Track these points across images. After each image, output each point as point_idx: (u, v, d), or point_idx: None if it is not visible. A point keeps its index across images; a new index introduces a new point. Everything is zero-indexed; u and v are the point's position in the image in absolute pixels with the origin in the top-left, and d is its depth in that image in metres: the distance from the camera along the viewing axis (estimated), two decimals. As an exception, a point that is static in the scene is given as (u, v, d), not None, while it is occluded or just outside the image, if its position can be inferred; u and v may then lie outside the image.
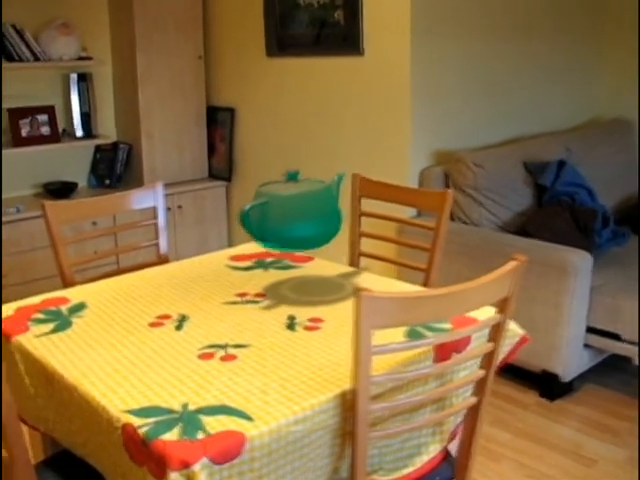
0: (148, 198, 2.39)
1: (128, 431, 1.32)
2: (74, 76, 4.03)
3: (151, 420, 1.33)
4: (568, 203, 3.48)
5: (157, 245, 2.44)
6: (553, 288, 2.90)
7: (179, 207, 4.25)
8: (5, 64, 3.73)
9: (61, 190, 4.00)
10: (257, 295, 2.00)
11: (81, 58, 4.03)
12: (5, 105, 3.87)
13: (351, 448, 1.44)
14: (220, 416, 1.35)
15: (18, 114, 3.87)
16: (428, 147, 3.55)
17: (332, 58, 3.68)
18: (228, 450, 1.27)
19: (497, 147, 3.78)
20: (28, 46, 3.80)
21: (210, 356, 1.61)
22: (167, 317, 1.84)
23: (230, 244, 4.57)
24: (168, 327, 1.78)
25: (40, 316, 1.87)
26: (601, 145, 4.14)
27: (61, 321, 1.83)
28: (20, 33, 3.79)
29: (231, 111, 4.39)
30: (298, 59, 3.86)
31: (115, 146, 4.23)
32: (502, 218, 3.52)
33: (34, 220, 3.66)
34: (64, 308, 1.92)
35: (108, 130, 4.31)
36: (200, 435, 1.29)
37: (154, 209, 2.41)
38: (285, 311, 1.88)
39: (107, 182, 4.21)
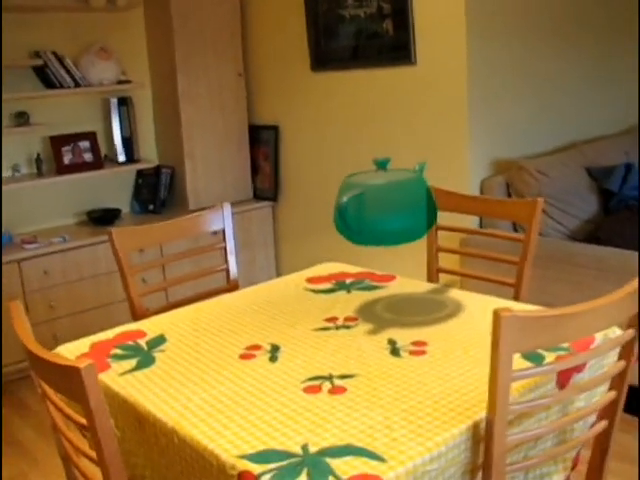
0: (217, 220, 2.25)
1: (247, 477, 1.17)
2: (114, 100, 3.94)
3: (272, 466, 1.18)
4: (638, 207, 3.31)
5: (227, 270, 2.30)
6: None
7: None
8: (47, 91, 3.65)
9: (104, 217, 3.89)
10: (348, 319, 1.85)
11: (120, 82, 3.94)
12: (47, 133, 3.78)
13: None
14: (347, 458, 1.20)
15: (60, 141, 3.78)
16: (486, 156, 3.40)
17: (381, 69, 3.55)
18: (366, 498, 1.11)
19: (556, 153, 3.62)
20: (68, 72, 3.72)
21: (317, 389, 1.46)
22: (257, 348, 1.70)
23: (278, 266, 4.44)
24: (261, 359, 1.63)
25: (119, 352, 1.73)
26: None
27: (142, 357, 1.69)
28: (60, 60, 3.71)
29: (275, 129, 4.27)
30: (344, 72, 3.74)
31: (157, 170, 4.12)
32: (569, 227, 3.36)
33: (80, 249, 3.55)
34: (142, 342, 1.79)
35: (149, 154, 4.21)
36: (333, 482, 1.13)
37: (223, 232, 2.28)
38: (383, 335, 1.73)
39: (150, 207, 4.10)
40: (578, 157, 3.58)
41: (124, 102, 3.98)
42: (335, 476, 1.15)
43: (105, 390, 1.56)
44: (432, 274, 2.42)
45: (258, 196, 4.41)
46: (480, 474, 1.33)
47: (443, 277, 2.47)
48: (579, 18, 3.73)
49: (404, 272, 2.31)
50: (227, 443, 1.27)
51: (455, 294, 2.00)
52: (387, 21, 3.47)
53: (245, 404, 1.41)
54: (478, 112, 3.26)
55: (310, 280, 2.20)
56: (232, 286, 2.29)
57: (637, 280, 1.37)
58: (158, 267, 3.46)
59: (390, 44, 3.47)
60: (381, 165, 1.83)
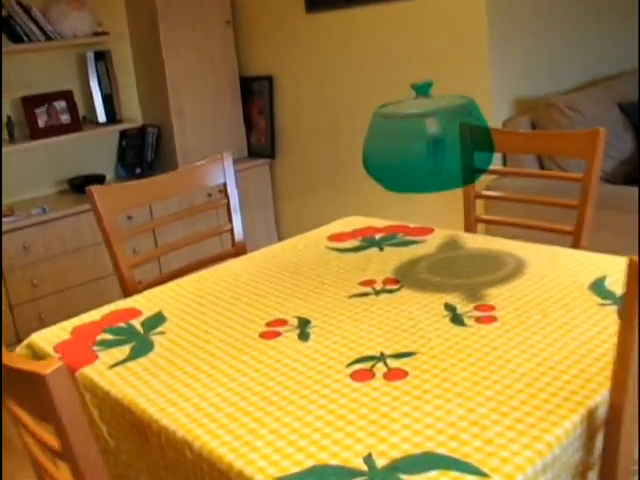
0: (217, 173, 1.89)
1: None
2: (90, 55, 3.53)
3: (329, 491, 0.85)
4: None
5: (231, 231, 1.94)
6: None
7: (220, 191, 3.75)
8: (14, 46, 3.24)
9: (87, 185, 3.50)
10: (388, 282, 1.51)
11: (96, 34, 3.53)
12: (18, 94, 3.39)
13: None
14: (432, 473, 0.86)
15: (33, 103, 3.38)
16: (509, 95, 3.03)
17: (385, 4, 3.16)
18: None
19: (583, 89, 3.26)
20: (37, 24, 3.31)
21: (368, 374, 1.12)
22: (281, 323, 1.35)
23: (279, 229, 4.08)
24: (288, 337, 1.29)
25: (108, 337, 1.38)
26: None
27: (138, 342, 1.34)
28: (27, 10, 3.29)
29: (268, 80, 3.88)
30: (343, 11, 3.34)
31: (142, 130, 3.73)
32: (605, 169, 3.01)
33: (63, 220, 3.18)
34: (137, 323, 1.44)
35: (133, 113, 3.82)
36: (419, 513, 0.80)
37: (224, 186, 1.92)
38: (436, 300, 1.38)
39: (137, 171, 3.72)
40: (607, 93, 3.23)
41: (102, 57, 3.58)
42: (421, 502, 0.81)
43: (92, 389, 1.21)
44: (470, 225, 2.07)
45: (253, 153, 4.04)
46: (592, 476, 1.00)
47: (480, 228, 2.13)
48: None
49: (435, 224, 1.96)
50: (260, 459, 0.93)
51: (510, 246, 1.66)
52: (392, -53, 3.07)
53: (277, 400, 1.07)
54: (499, 47, 2.89)
55: (332, 238, 1.85)
56: (239, 250, 1.94)
57: None
58: (149, 232, 3.10)
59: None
60: (421, 90, 1.47)
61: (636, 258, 0.85)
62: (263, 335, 1.31)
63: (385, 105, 1.49)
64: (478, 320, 1.28)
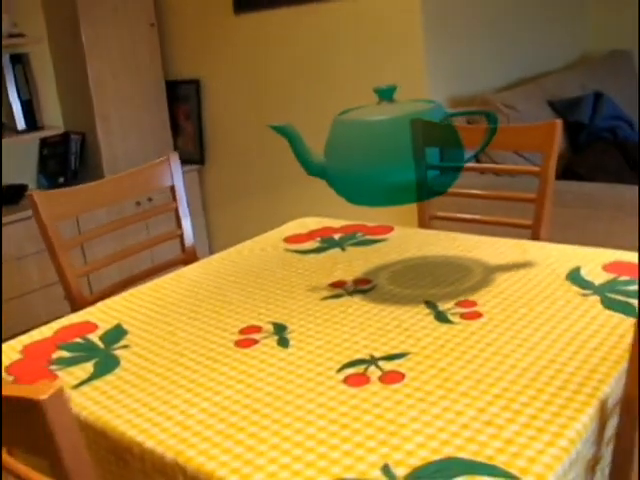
0: (164, 176, 1.78)
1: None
2: (6, 58, 3.33)
3: (351, 508, 0.77)
4: (611, 139, 3.05)
5: (181, 236, 1.83)
6: (629, 231, 2.47)
7: (149, 200, 3.61)
8: None
9: (8, 196, 3.31)
10: (359, 282, 1.44)
11: (12, 36, 3.32)
12: None
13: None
14: (459, 478, 0.80)
15: (-57, 109, 3.15)
16: (444, 94, 3.04)
17: (317, 5, 3.11)
18: None
19: (516, 87, 3.31)
20: (-55, 24, 3.08)
21: (362, 379, 1.05)
22: (256, 330, 1.27)
23: (210, 237, 3.96)
24: (266, 344, 1.20)
25: (65, 354, 1.26)
26: (608, 79, 3.74)
27: (101, 357, 1.23)
28: None
29: (195, 83, 3.77)
30: (273, 11, 3.27)
31: (65, 137, 3.55)
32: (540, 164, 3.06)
33: (-17, 235, 2.97)
34: (95, 337, 1.32)
35: (55, 119, 3.62)
36: (456, 525, 0.73)
37: (172, 190, 1.81)
38: (415, 298, 1.33)
39: (61, 180, 3.53)
40: (538, 91, 3.30)
41: (19, 60, 3.37)
42: (455, 513, 0.75)
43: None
44: (424, 222, 2.04)
45: (181, 160, 3.89)
46: (599, 469, 0.97)
47: (434, 225, 2.10)
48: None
49: (386, 223, 1.91)
50: (268, 478, 0.84)
51: (476, 240, 1.63)
52: (323, -54, 3.03)
53: (270, 412, 0.99)
54: (435, 45, 2.89)
55: (289, 240, 1.77)
56: (189, 256, 1.84)
57: None
58: (92, 241, 2.94)
59: (328, -28, 3.03)
60: (384, 95, 1.40)
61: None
62: (239, 343, 1.22)
63: (346, 111, 1.42)
64: (463, 316, 1.23)
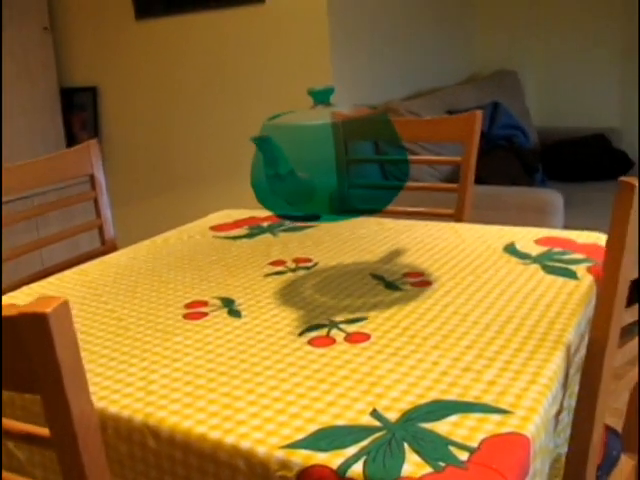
0: (83, 163, 1.68)
1: (315, 476, 0.71)
2: None
3: (350, 451, 0.74)
4: (508, 146, 3.20)
5: (100, 228, 1.74)
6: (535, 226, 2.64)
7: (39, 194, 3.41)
8: None
9: None
10: (300, 260, 1.42)
11: None
12: None
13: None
14: (452, 418, 0.79)
15: None
16: (349, 102, 3.09)
17: (222, 11, 3.09)
18: (518, 464, 0.71)
19: (417, 98, 3.42)
20: None
21: (327, 340, 1.02)
22: (202, 304, 1.21)
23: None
24: (217, 316, 1.15)
25: None
26: (498, 93, 3.96)
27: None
28: None
29: (92, 91, 3.63)
30: (178, 18, 3.21)
31: (-53, 144, 3.30)
32: (442, 170, 3.17)
33: None
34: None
35: None
36: (462, 455, 0.71)
37: (92, 179, 1.71)
38: (360, 272, 1.32)
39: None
40: (438, 102, 3.43)
41: None
42: (458, 446, 0.73)
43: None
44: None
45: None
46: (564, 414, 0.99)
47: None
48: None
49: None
50: (254, 431, 0.79)
51: (404, 225, 1.64)
52: (228, -48, 3.02)
53: (238, 374, 0.94)
54: (341, 55, 2.94)
55: (215, 228, 1.72)
56: (109, 249, 1.74)
57: None
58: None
59: (233, -22, 3.02)
60: (321, 97, 1.27)
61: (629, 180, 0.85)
62: (187, 316, 1.15)
63: (276, 116, 1.36)
64: (414, 285, 1.23)
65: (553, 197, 2.68)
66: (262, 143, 1.16)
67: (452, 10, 3.96)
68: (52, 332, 0.55)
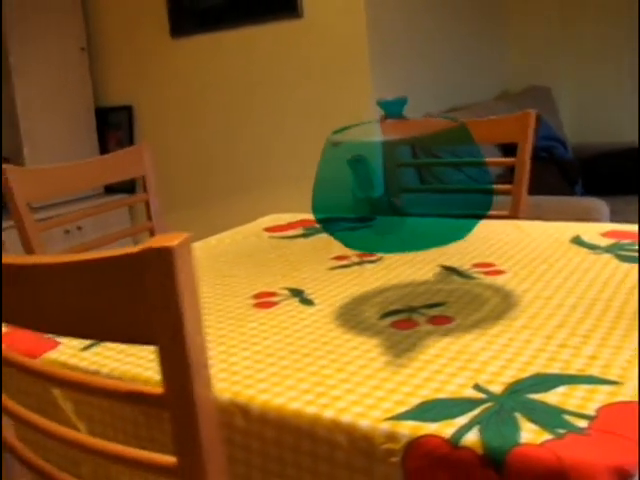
0: (135, 164, 1.68)
1: (425, 446, 0.68)
2: None
3: (460, 420, 0.70)
4: (549, 158, 3.17)
5: (151, 230, 1.73)
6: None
7: (79, 229, 3.43)
8: None
9: None
10: (364, 255, 1.39)
11: None
12: None
13: None
14: (561, 389, 0.75)
15: None
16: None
17: (259, 27, 3.10)
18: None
19: (452, 112, 3.41)
20: None
21: (410, 323, 0.99)
22: (270, 295, 1.18)
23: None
24: (288, 304, 1.12)
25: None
26: (532, 108, 3.94)
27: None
28: None
29: (128, 110, 3.66)
30: (212, 35, 3.24)
31: (-12, 163, 3.34)
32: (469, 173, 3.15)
33: None
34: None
35: (-25, 144, 3.41)
36: (581, 422, 0.68)
37: (144, 180, 1.71)
38: (429, 264, 1.29)
39: (-18, 208, 3.30)
40: (474, 116, 3.41)
41: None
42: (574, 414, 0.69)
43: (64, 378, 0.96)
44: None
45: (111, 189, 3.75)
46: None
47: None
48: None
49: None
50: (353, 406, 0.76)
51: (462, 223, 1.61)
52: (266, -31, 3.04)
53: (322, 354, 0.91)
54: (379, 68, 2.93)
55: (270, 229, 1.70)
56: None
57: None
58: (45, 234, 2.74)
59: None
60: (393, 109, 1.14)
61: None
62: (257, 305, 1.13)
63: (340, 130, 1.30)
64: (487, 274, 1.20)
65: (599, 205, 2.64)
66: (356, 164, 1.12)
67: (486, 26, 3.96)
68: (175, 266, 0.53)
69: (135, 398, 0.61)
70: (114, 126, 3.73)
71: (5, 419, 0.87)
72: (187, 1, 3.26)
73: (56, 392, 0.97)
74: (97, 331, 0.60)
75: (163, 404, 0.58)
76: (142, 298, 0.55)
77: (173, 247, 0.53)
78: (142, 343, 0.58)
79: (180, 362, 0.56)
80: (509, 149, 1.93)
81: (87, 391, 0.68)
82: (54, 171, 1.49)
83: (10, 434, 0.87)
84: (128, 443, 0.87)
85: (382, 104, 1.14)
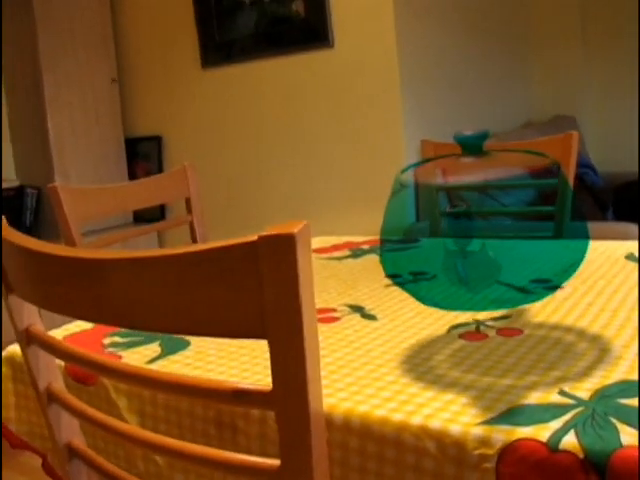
0: (179, 186, 1.69)
1: (521, 450, 0.67)
2: (-40, 108, 3.19)
3: (553, 425, 0.69)
4: (580, 184, 3.17)
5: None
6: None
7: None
8: None
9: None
10: (417, 274, 1.38)
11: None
12: None
13: None
14: (650, 397, 0.74)
15: None
16: (417, 143, 3.10)
17: (290, 57, 3.14)
18: None
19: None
20: None
21: (479, 335, 0.99)
22: (330, 310, 1.18)
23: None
24: (350, 319, 1.12)
25: (119, 340, 1.13)
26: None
27: (164, 340, 1.11)
28: None
29: (157, 140, 3.70)
30: (242, 65, 3.28)
31: (20, 191, 3.38)
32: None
33: None
34: (156, 344, 1.19)
35: (8, 173, 3.46)
36: (681, 426, 0.66)
37: (187, 201, 1.72)
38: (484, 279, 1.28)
39: (15, 237, 3.33)
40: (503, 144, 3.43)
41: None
42: (672, 418, 0.68)
43: (130, 390, 0.96)
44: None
45: (140, 219, 3.78)
46: None
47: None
48: (480, 17, 3.60)
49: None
50: (440, 412, 0.76)
51: (508, 244, 1.61)
52: (297, 2, 3.09)
53: (395, 365, 0.90)
54: (410, 98, 2.95)
55: (316, 251, 1.70)
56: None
57: None
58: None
59: (303, 27, 3.08)
60: (473, 144, 1.04)
61: None
62: (320, 320, 1.13)
63: (407, 168, 1.24)
64: (545, 288, 1.19)
65: (631, 229, 2.62)
66: (457, 215, 1.10)
67: (512, 58, 3.99)
68: (297, 254, 0.53)
69: (239, 396, 0.60)
70: (143, 156, 3.77)
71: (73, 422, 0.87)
72: (218, 32, 3.32)
73: (122, 404, 0.97)
74: (200, 328, 0.60)
75: (270, 402, 0.58)
76: (257, 289, 0.55)
77: (294, 233, 0.53)
78: (252, 337, 0.57)
79: (295, 357, 0.55)
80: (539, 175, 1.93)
81: (175, 390, 0.67)
82: (101, 191, 1.51)
83: (80, 441, 0.87)
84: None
85: (459, 139, 1.03)
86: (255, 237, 0.54)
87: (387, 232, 1.21)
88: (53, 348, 0.77)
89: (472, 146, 1.03)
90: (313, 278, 0.57)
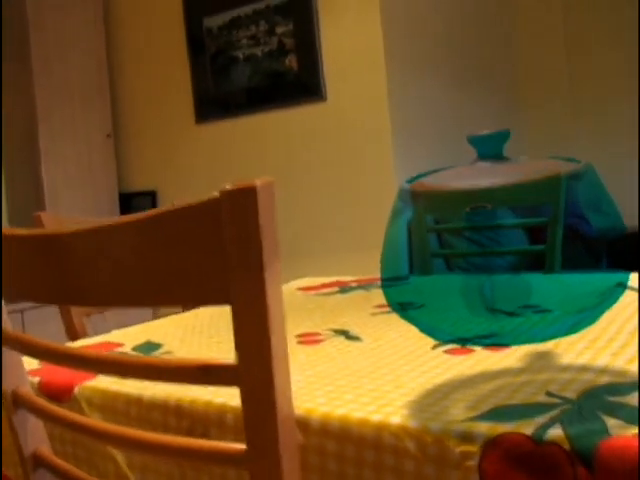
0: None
1: (505, 444, 0.64)
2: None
3: (539, 420, 0.66)
4: (573, 234, 3.16)
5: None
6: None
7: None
8: None
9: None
10: (404, 304, 1.36)
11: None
12: None
13: None
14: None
15: None
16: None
17: (284, 111, 3.20)
18: None
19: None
20: None
21: (465, 351, 0.96)
22: (315, 334, 1.15)
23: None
24: (334, 340, 1.09)
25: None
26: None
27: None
28: None
29: (151, 195, 3.72)
30: (236, 120, 3.34)
31: (13, 244, 3.37)
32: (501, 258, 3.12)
33: None
34: (126, 349, 1.16)
35: (2, 226, 3.45)
36: (672, 419, 0.63)
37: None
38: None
39: (5, 290, 3.30)
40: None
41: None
42: (660, 412, 0.65)
43: (103, 404, 0.92)
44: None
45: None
46: None
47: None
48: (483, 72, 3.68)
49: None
50: (419, 412, 0.72)
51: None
52: (290, 56, 3.17)
53: (385, 372, 0.87)
54: (401, 146, 2.99)
55: (304, 289, 1.68)
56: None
57: None
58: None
59: (296, 81, 3.15)
60: (489, 147, 0.94)
61: None
62: (302, 342, 1.10)
63: (415, 178, 1.17)
64: (535, 312, 1.17)
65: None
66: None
67: (502, 107, 4.05)
68: (259, 207, 0.51)
69: (206, 372, 0.57)
70: (138, 211, 3.77)
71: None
72: (212, 87, 3.37)
73: (96, 417, 0.93)
74: (164, 295, 0.58)
75: (235, 378, 0.55)
76: (220, 248, 0.53)
77: (256, 186, 0.51)
78: (216, 302, 0.55)
79: (259, 324, 0.53)
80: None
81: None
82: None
83: (46, 448, 0.83)
84: None
85: (474, 140, 0.92)
86: (217, 194, 0.53)
87: (387, 261, 1.16)
88: (22, 345, 0.74)
89: (489, 148, 0.92)
90: (277, 236, 0.55)
